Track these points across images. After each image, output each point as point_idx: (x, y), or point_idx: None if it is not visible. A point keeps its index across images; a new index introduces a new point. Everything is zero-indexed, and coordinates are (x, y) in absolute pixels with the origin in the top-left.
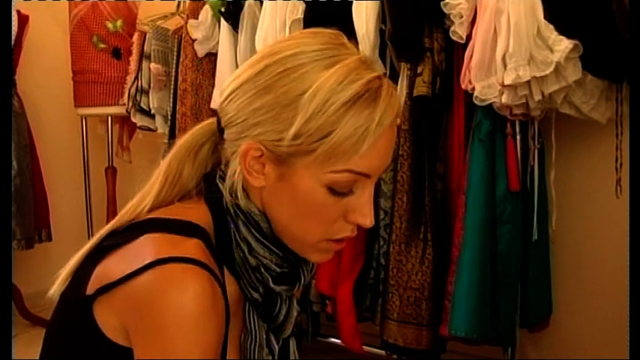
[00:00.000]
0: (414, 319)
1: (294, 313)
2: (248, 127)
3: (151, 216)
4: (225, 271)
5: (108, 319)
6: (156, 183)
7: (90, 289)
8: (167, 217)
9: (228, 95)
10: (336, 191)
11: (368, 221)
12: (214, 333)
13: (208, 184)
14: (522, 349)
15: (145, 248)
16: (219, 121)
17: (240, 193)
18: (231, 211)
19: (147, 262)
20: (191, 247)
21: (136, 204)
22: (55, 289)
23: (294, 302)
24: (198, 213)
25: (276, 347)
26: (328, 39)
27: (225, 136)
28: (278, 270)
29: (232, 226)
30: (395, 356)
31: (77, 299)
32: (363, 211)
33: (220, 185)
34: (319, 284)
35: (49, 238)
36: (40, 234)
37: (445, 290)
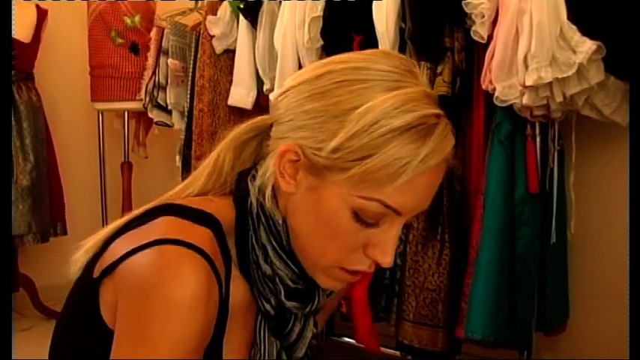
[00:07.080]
0: (429, 321)
1: (309, 334)
2: (292, 129)
3: (171, 201)
4: (235, 271)
5: (110, 299)
6: (204, 172)
7: (96, 272)
8: (186, 204)
9: (285, 91)
10: (362, 219)
11: (387, 260)
12: (196, 326)
13: (239, 182)
14: (537, 351)
15: (153, 229)
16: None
17: (268, 194)
18: (254, 213)
19: (149, 240)
20: (198, 234)
21: (180, 191)
22: (75, 270)
23: (311, 322)
24: (220, 207)
25: None
26: (398, 63)
27: (271, 132)
28: (292, 285)
29: (251, 229)
30: (410, 357)
31: (85, 283)
32: (384, 248)
33: (250, 185)
34: None
35: (65, 232)
36: (56, 227)
37: (462, 292)
